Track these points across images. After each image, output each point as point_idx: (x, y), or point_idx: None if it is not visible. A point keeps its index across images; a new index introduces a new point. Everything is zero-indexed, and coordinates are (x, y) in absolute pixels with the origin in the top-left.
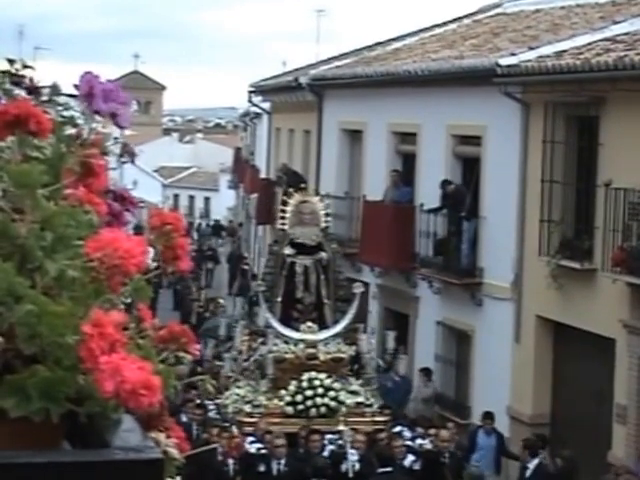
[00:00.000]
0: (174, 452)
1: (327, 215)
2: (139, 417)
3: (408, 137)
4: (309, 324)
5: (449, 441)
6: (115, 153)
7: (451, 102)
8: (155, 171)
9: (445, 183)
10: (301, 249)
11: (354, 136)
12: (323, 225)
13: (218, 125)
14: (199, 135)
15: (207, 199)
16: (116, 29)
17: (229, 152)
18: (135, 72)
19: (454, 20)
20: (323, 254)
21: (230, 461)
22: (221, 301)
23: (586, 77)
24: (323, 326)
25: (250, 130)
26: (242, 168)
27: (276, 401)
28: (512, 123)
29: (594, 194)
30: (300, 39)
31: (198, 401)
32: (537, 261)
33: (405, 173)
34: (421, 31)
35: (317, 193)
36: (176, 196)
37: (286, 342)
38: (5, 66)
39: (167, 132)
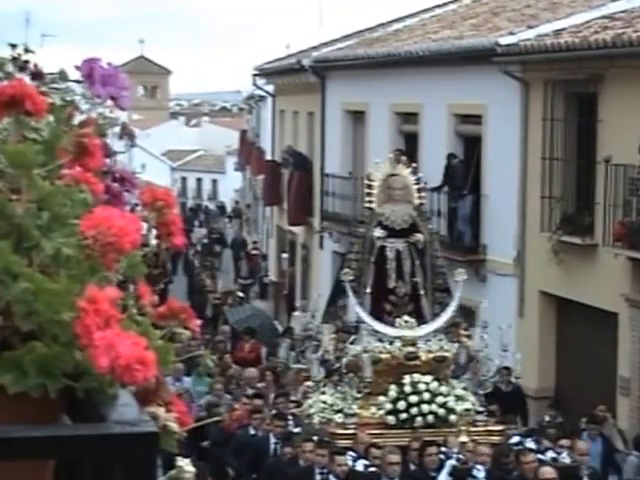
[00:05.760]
0: (174, 426)
1: (420, 190)
2: (136, 392)
3: (410, 117)
4: (406, 318)
5: (587, 454)
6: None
7: (452, 82)
8: (163, 154)
9: (451, 156)
10: (392, 231)
11: (357, 117)
12: (417, 202)
13: (224, 108)
14: (205, 118)
15: (214, 181)
16: (121, 14)
17: (235, 135)
18: (141, 57)
19: (454, 0)
20: (419, 236)
21: None
22: (239, 293)
23: (585, 55)
24: (421, 320)
25: (255, 113)
26: (248, 150)
27: (373, 409)
28: (512, 101)
29: (594, 170)
30: (302, 21)
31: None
32: (539, 237)
33: (408, 153)
34: (421, 12)
35: (409, 165)
36: (184, 179)
37: (380, 340)
38: (8, 51)
39: (174, 116)
